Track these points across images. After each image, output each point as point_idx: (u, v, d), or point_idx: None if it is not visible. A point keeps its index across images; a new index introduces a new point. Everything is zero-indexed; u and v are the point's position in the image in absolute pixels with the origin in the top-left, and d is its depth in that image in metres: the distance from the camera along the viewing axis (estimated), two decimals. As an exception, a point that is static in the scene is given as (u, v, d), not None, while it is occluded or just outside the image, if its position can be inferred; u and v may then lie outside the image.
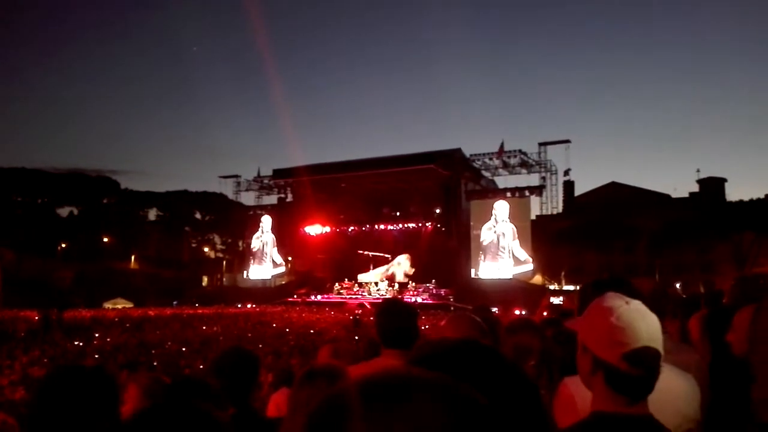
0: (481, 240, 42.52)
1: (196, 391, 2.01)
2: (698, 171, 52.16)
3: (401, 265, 46.53)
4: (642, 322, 1.43)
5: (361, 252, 46.19)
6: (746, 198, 45.92)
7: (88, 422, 1.65)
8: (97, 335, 19.18)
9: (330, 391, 0.56)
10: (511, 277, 41.22)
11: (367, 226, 47.71)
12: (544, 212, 44.03)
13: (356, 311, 30.31)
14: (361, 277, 46.13)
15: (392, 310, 2.70)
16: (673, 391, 1.77)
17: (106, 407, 1.71)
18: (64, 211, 63.80)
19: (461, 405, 0.56)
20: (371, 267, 45.52)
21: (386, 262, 44.83)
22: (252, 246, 53.86)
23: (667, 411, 1.48)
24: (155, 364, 11.37)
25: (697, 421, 1.87)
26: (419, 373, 0.59)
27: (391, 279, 45.75)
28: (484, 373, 0.90)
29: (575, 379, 1.93)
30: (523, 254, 41.27)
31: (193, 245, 68.04)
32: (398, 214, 47.09)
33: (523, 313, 21.90)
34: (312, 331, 20.81)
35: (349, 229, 48.49)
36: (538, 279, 42.96)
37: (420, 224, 45.31)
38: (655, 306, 2.49)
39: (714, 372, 2.49)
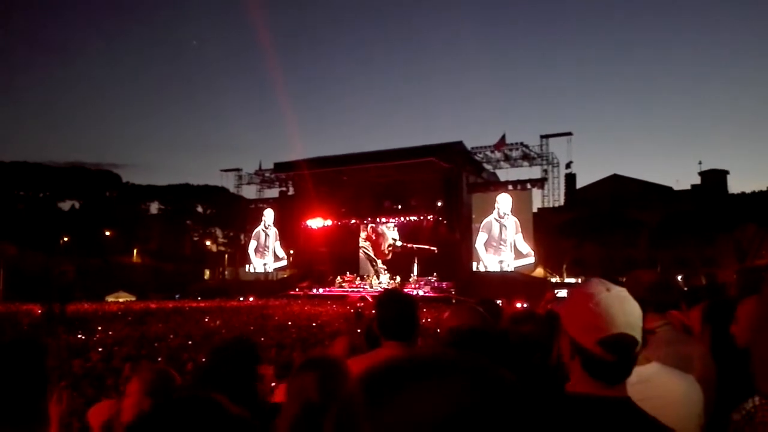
0: (482, 233, 42.49)
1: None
2: (700, 163, 52.31)
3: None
4: (619, 308, 1.43)
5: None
6: (748, 190, 45.94)
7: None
8: (99, 328, 19.24)
9: (363, 374, 0.58)
10: (512, 270, 41.22)
11: (369, 219, 47.69)
12: (546, 205, 43.99)
13: (358, 304, 30.33)
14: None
15: (392, 302, 2.70)
16: (675, 396, 1.75)
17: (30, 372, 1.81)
18: (65, 205, 64.03)
19: (489, 383, 0.56)
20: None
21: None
22: (253, 239, 53.92)
23: (667, 416, 1.46)
24: (159, 359, 11.39)
25: (700, 425, 1.83)
26: (446, 354, 0.59)
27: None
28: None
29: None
30: (526, 247, 41.24)
31: (195, 239, 68.17)
32: (400, 207, 47.02)
33: (525, 305, 21.90)
34: (314, 324, 20.84)
35: (351, 222, 48.47)
36: (539, 272, 42.99)
37: (421, 217, 45.25)
38: (657, 298, 2.48)
39: (719, 359, 2.49)
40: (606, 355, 1.40)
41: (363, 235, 48.03)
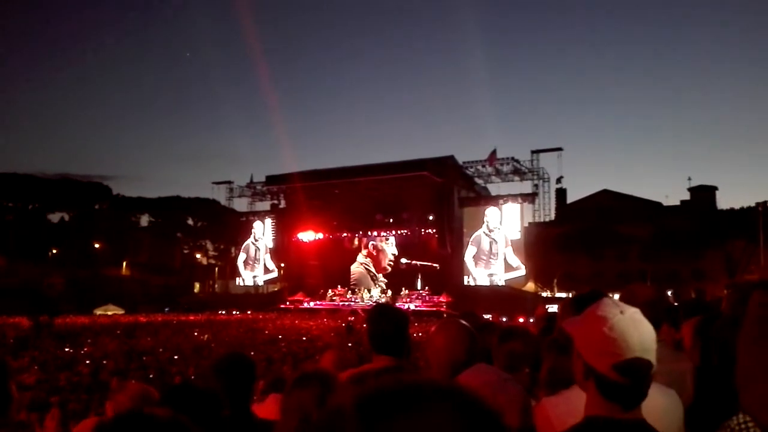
0: (471, 246, 42.57)
1: (190, 397, 2.03)
2: (689, 179, 52.38)
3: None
4: (635, 332, 1.42)
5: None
6: (737, 206, 46.25)
7: None
8: (89, 341, 19.06)
9: (334, 400, 0.58)
10: (503, 283, 41.26)
11: (360, 232, 47.67)
12: (537, 219, 44.15)
13: (349, 318, 30.23)
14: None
15: (383, 316, 2.70)
16: (655, 410, 1.76)
17: None
18: (55, 217, 63.65)
19: (476, 414, 0.55)
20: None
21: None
22: (243, 252, 53.72)
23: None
24: (151, 375, 11.27)
25: None
26: (430, 381, 0.58)
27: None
28: None
29: (553, 399, 1.92)
30: (515, 260, 41.34)
31: (185, 251, 67.81)
32: (391, 221, 47.07)
33: (531, 321, 21.87)
34: (305, 338, 20.75)
35: (343, 236, 48.43)
36: (530, 286, 43.03)
37: (413, 231, 45.31)
38: (653, 313, 2.49)
39: (701, 378, 2.50)
40: (621, 379, 1.39)
41: (364, 252, 48.03)
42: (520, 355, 2.79)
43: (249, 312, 41.14)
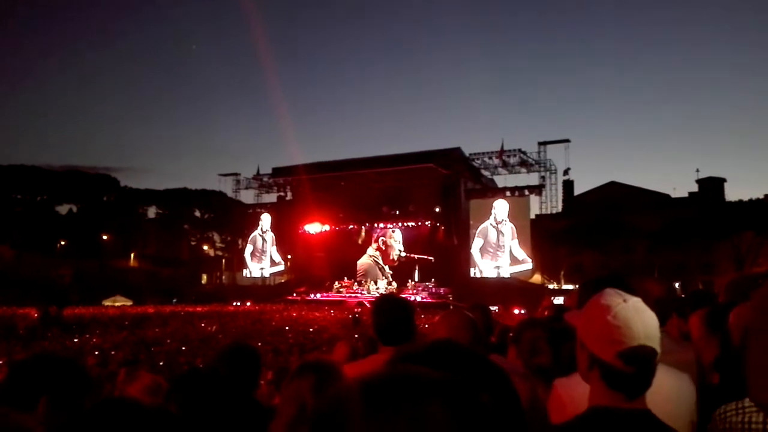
0: (478, 238, 42.53)
1: (201, 382, 2.06)
2: (698, 171, 52.36)
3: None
4: (638, 320, 1.42)
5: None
6: (745, 198, 45.96)
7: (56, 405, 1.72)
8: (97, 332, 19.20)
9: (333, 389, 0.58)
10: (509, 275, 41.22)
11: (367, 224, 47.74)
12: (544, 211, 44.06)
13: (355, 309, 30.31)
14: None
15: (388, 307, 2.70)
16: (664, 392, 1.76)
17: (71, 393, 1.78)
18: (63, 209, 63.90)
19: (466, 404, 0.55)
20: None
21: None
22: (249, 244, 53.87)
23: (657, 412, 1.47)
24: (161, 363, 11.35)
25: (692, 422, 1.83)
26: (423, 372, 0.58)
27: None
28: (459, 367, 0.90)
29: (565, 381, 1.92)
30: (522, 253, 41.27)
31: (193, 243, 68.07)
32: (397, 212, 47.10)
33: (523, 312, 21.89)
34: (311, 330, 20.82)
35: (349, 227, 48.52)
36: (537, 278, 42.97)
37: (419, 223, 45.34)
38: (661, 309, 2.50)
39: (722, 367, 2.50)
40: (626, 367, 1.39)
41: (374, 246, 48.26)
42: (539, 343, 2.85)
43: (248, 303, 41.34)
